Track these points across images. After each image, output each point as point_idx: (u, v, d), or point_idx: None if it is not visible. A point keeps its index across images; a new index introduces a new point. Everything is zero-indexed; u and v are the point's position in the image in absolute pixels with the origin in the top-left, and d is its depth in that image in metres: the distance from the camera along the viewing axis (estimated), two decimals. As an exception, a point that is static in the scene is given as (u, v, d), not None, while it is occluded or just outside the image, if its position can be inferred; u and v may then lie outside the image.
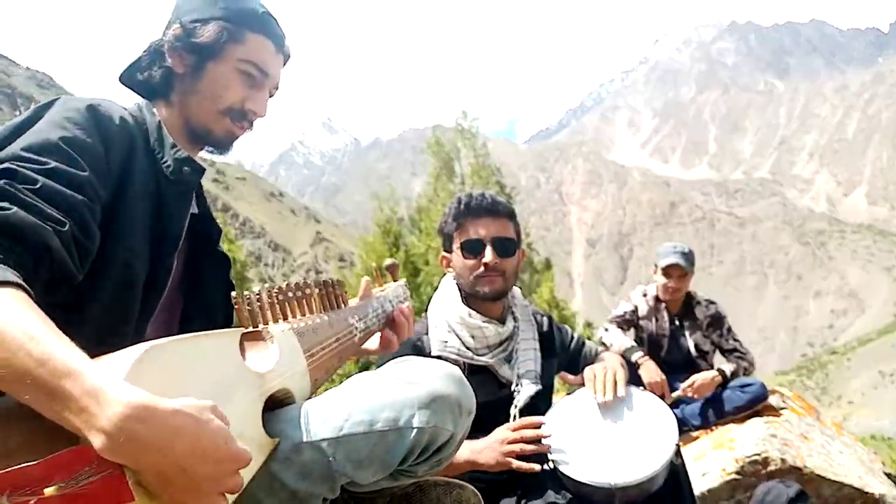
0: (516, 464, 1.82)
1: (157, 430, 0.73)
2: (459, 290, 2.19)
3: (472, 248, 2.09)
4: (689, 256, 4.22)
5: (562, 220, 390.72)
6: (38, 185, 1.01)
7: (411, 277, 14.85)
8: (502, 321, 2.17)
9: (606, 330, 4.28)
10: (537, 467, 1.81)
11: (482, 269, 2.08)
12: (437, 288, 2.29)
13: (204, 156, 1.46)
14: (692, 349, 4.25)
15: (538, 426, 1.87)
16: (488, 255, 2.07)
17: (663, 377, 3.70)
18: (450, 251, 2.21)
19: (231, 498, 0.86)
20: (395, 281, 1.88)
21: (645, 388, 1.98)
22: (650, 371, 3.73)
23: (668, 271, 4.20)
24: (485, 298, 2.12)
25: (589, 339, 2.62)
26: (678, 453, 1.92)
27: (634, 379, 3.95)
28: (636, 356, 3.84)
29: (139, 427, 0.72)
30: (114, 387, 0.74)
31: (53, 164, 1.06)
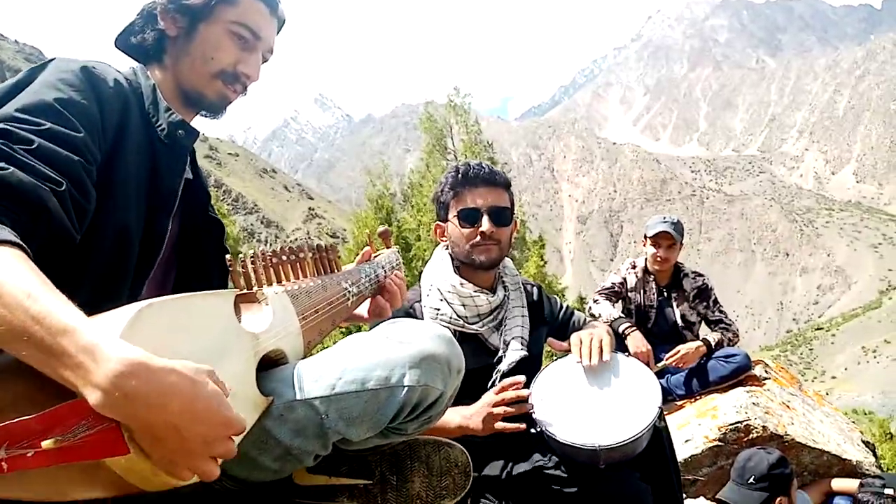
0: (501, 425, 1.85)
1: (151, 387, 0.74)
2: (452, 259, 2.22)
3: (469, 217, 2.11)
4: (677, 226, 4.27)
5: (553, 196, 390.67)
6: (33, 146, 1.01)
7: (403, 252, 14.92)
8: (493, 290, 2.21)
9: (595, 301, 4.35)
10: (523, 426, 1.85)
11: (479, 237, 2.11)
12: (429, 261, 2.31)
13: (197, 128, 1.43)
14: (679, 320, 4.33)
15: (518, 385, 1.90)
16: (485, 223, 2.09)
17: (649, 347, 3.77)
18: (445, 220, 2.22)
19: (222, 463, 0.86)
20: (388, 248, 1.91)
21: (630, 355, 2.09)
22: (636, 341, 3.81)
23: (656, 240, 4.26)
24: (481, 267, 2.15)
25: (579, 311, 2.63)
26: (661, 417, 1.95)
27: (621, 349, 4.10)
28: (623, 327, 3.91)
29: (134, 383, 0.73)
30: (109, 343, 0.75)
31: (48, 124, 1.06)
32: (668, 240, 4.23)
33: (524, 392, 1.88)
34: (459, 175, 2.15)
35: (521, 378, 1.91)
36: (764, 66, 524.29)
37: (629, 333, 3.88)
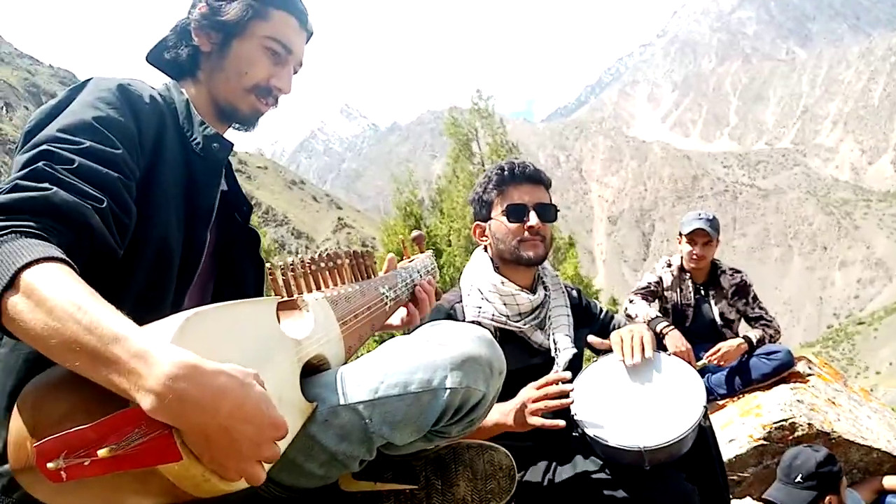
0: (540, 421, 1.82)
1: (203, 389, 0.76)
2: (492, 260, 2.23)
3: (517, 213, 2.13)
4: (713, 223, 4.19)
5: (582, 197, 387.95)
6: (74, 165, 1.04)
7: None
8: (533, 290, 2.21)
9: (631, 301, 4.28)
10: (562, 423, 1.81)
11: (526, 233, 2.13)
12: (461, 267, 2.47)
13: (231, 140, 1.45)
14: (717, 318, 4.25)
15: (562, 381, 1.87)
16: (533, 218, 2.11)
17: (688, 346, 3.67)
18: (485, 220, 2.23)
19: (268, 467, 0.88)
20: (421, 252, 1.93)
21: (671, 354, 2.03)
22: (675, 340, 3.72)
23: (692, 238, 4.19)
24: (528, 263, 2.16)
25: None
26: (706, 416, 1.93)
27: (660, 349, 4.04)
28: (661, 326, 3.82)
29: (186, 386, 0.75)
30: (160, 348, 0.77)
31: (88, 143, 1.08)
32: (703, 237, 4.15)
33: (568, 387, 1.85)
34: (505, 172, 2.17)
35: (567, 374, 1.88)
36: (794, 57, 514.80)
37: (667, 332, 3.79)
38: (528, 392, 1.88)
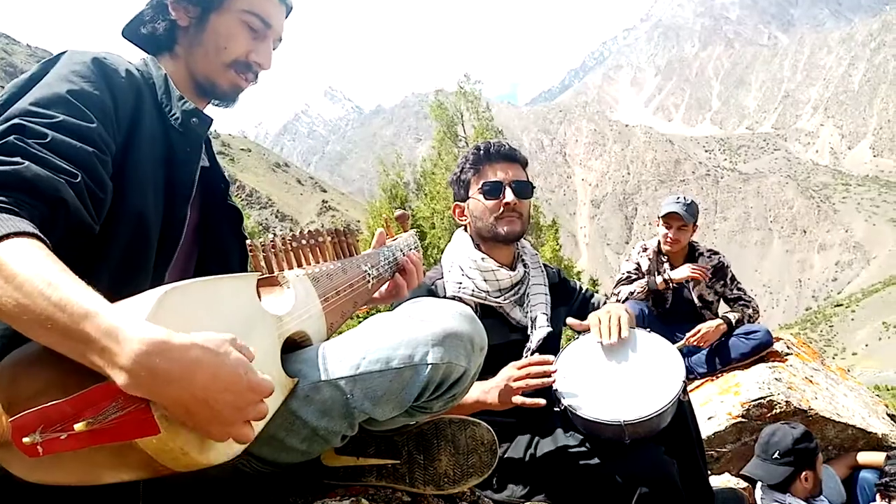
0: (520, 399, 1.85)
1: (175, 364, 0.76)
2: (472, 239, 2.27)
3: (493, 190, 2.17)
4: (690, 208, 4.22)
5: (566, 181, 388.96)
6: (47, 139, 1.02)
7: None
8: (513, 267, 2.25)
9: (617, 293, 4.32)
10: (542, 401, 1.84)
11: (502, 209, 2.17)
12: (444, 248, 2.35)
13: (211, 115, 1.43)
14: (696, 300, 4.29)
15: (545, 363, 1.90)
16: (508, 195, 2.15)
17: (696, 265, 4.08)
18: (464, 199, 2.27)
19: (257, 427, 0.88)
20: (405, 231, 1.94)
21: (651, 331, 2.05)
22: (681, 271, 4.08)
23: (667, 221, 4.23)
24: (505, 239, 2.20)
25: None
26: (685, 391, 1.96)
27: (661, 307, 4.26)
28: (658, 280, 4.10)
29: (157, 361, 0.75)
30: (131, 325, 0.77)
31: (62, 117, 1.06)
32: (678, 221, 4.19)
33: (551, 367, 1.88)
34: (481, 152, 2.22)
35: (550, 357, 1.92)
36: (776, 42, 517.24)
37: (671, 276, 4.12)
38: (510, 371, 1.91)
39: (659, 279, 4.09)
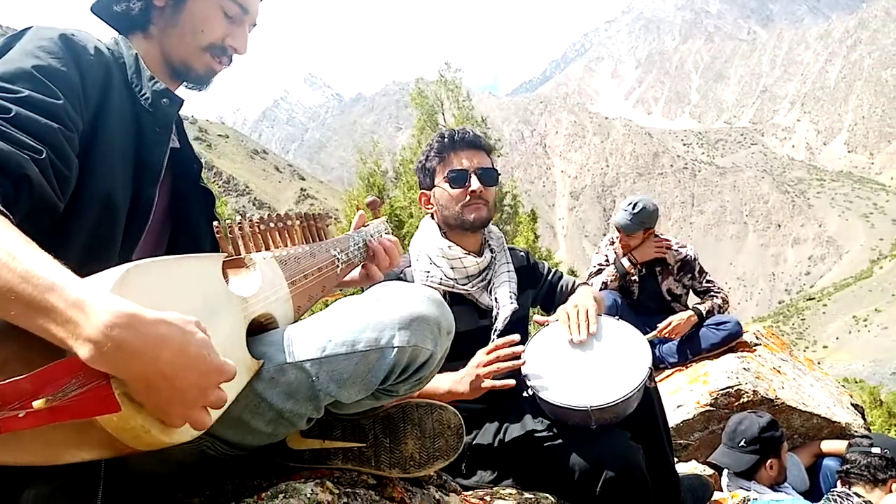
0: (490, 383, 1.87)
1: (142, 338, 0.75)
2: (439, 227, 2.27)
3: (459, 178, 2.17)
4: (640, 215, 4.19)
5: (545, 172, 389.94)
6: (11, 114, 1.00)
7: (396, 230, 14.92)
8: (480, 254, 2.26)
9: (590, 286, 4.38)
10: (512, 382, 1.86)
11: (468, 197, 2.17)
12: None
13: (185, 115, 1.49)
14: (665, 294, 4.34)
15: (513, 343, 1.91)
16: (474, 183, 2.15)
17: (658, 240, 4.23)
18: (430, 188, 2.26)
19: (215, 415, 0.87)
20: (377, 218, 1.93)
21: (620, 318, 2.08)
22: (644, 251, 4.24)
23: (618, 229, 4.32)
24: (472, 227, 2.20)
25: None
26: (651, 377, 1.98)
27: (627, 293, 4.33)
28: (626, 262, 4.24)
29: (125, 334, 0.74)
30: (98, 297, 0.76)
31: (27, 92, 1.04)
32: (624, 232, 4.28)
33: (519, 348, 1.89)
34: (446, 139, 2.21)
35: (516, 336, 1.92)
36: (755, 37, 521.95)
37: (635, 257, 4.25)
38: (479, 357, 1.92)
39: (626, 262, 4.21)
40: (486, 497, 1.80)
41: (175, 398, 0.80)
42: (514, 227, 17.51)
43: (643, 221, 4.18)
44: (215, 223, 1.23)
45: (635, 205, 4.23)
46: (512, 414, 2.04)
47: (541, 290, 2.43)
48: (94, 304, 0.74)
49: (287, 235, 1.35)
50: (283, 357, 1.10)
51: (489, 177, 2.19)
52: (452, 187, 2.17)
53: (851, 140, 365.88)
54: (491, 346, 1.93)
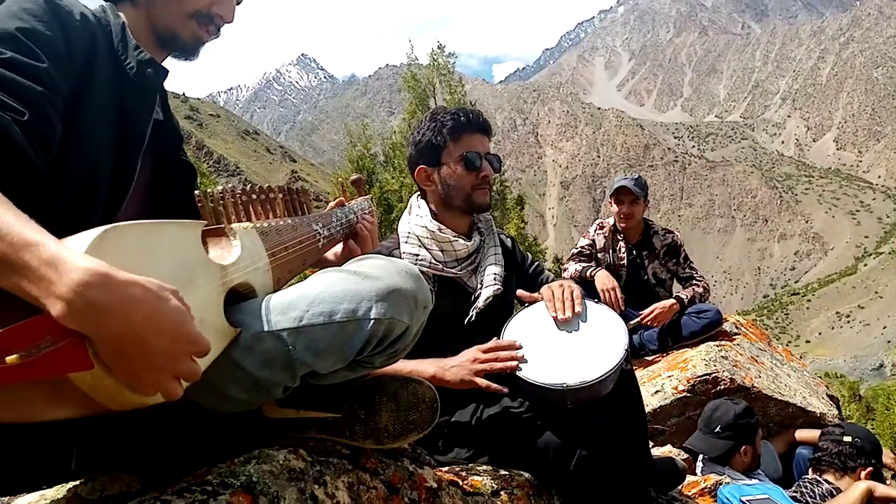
0: (484, 383, 1.87)
1: (115, 298, 0.75)
2: (430, 208, 2.25)
3: (474, 162, 2.15)
4: (638, 182, 4.33)
5: (537, 161, 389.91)
6: None
7: (385, 214, 14.88)
8: (469, 237, 2.26)
9: (565, 270, 4.43)
10: (505, 390, 1.87)
11: (480, 182, 2.17)
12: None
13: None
14: (650, 278, 4.40)
15: (513, 347, 1.92)
16: (486, 168, 2.15)
17: (615, 283, 3.99)
18: (433, 165, 2.21)
19: (186, 384, 0.88)
20: (361, 195, 1.92)
21: (600, 301, 2.15)
22: (603, 278, 4.03)
23: (618, 197, 4.33)
24: (481, 210, 2.22)
25: (557, 274, 2.57)
26: (628, 359, 1.99)
27: (591, 295, 4.23)
28: (590, 271, 4.14)
29: (98, 293, 0.74)
30: (73, 256, 0.76)
31: (10, 54, 1.03)
32: (629, 195, 4.29)
33: (519, 353, 1.90)
34: (461, 118, 2.16)
35: (518, 341, 1.94)
36: (749, 32, 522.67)
37: (596, 274, 4.08)
38: (475, 353, 1.92)
39: (589, 271, 4.20)
40: (462, 472, 1.81)
41: (145, 362, 0.79)
42: (502, 214, 17.55)
43: (644, 188, 4.31)
44: (196, 193, 1.24)
45: (631, 174, 4.38)
46: (490, 395, 2.03)
47: (523, 277, 2.45)
48: (67, 263, 0.75)
49: (269, 208, 1.35)
50: (261, 326, 1.11)
51: (496, 163, 2.20)
52: (467, 169, 2.14)
53: (841, 137, 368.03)
54: (491, 344, 1.93)
